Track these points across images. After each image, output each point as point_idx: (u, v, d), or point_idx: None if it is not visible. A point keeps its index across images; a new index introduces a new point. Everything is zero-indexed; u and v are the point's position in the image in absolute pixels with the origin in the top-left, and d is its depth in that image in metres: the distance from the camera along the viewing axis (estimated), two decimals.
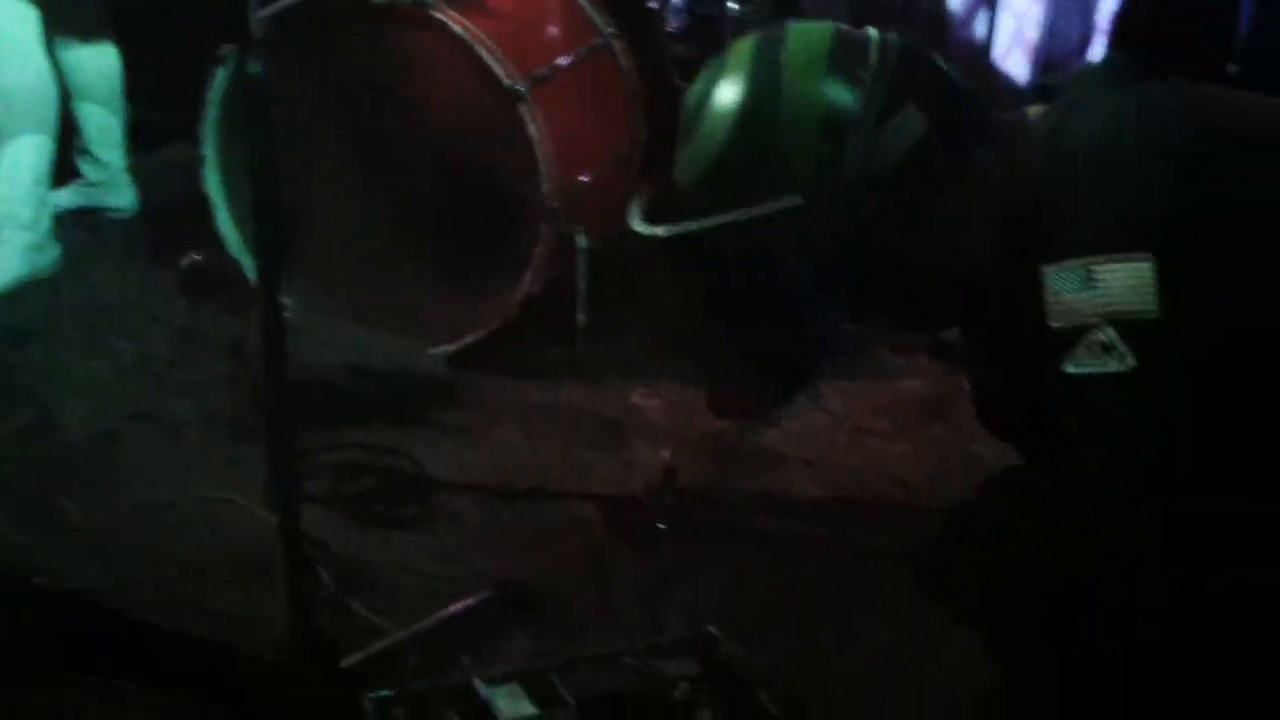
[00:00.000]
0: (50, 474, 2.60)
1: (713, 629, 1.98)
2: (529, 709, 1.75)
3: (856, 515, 2.57)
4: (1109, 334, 1.37)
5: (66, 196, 3.54)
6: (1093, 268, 1.37)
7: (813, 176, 1.59)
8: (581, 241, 2.84)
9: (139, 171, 3.66)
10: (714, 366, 2.24)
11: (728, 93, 1.66)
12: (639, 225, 1.74)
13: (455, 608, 2.22)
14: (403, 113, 2.92)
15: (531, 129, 2.79)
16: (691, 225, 1.64)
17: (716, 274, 1.70)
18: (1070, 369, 1.40)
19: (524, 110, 2.78)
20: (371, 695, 1.80)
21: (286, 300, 2.90)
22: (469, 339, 2.93)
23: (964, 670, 2.07)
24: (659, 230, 1.69)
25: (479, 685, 1.81)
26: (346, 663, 1.96)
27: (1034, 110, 1.65)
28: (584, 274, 2.86)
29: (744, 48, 1.70)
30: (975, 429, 1.83)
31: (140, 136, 3.67)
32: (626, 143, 3.21)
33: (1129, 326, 1.36)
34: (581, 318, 2.88)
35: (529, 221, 2.85)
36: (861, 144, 1.57)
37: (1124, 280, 1.37)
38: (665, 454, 2.61)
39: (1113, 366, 1.37)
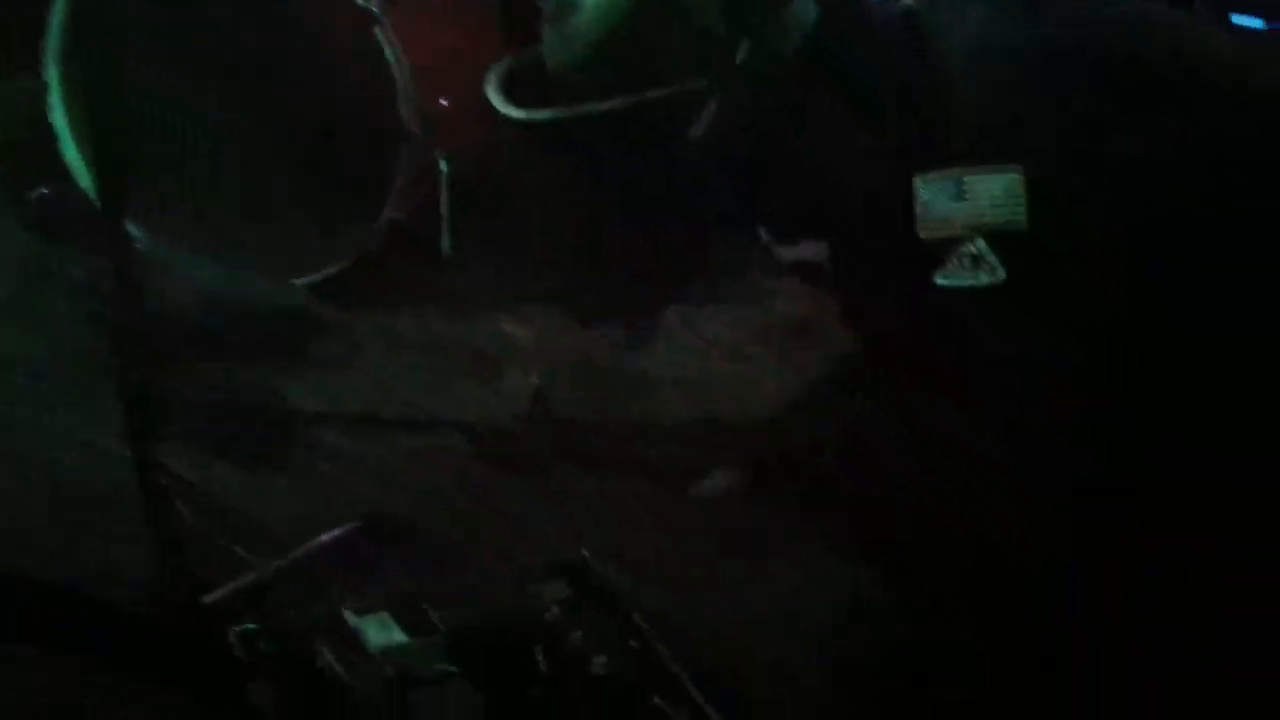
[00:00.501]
0: None
1: (585, 552, 1.97)
2: (399, 637, 1.73)
3: (729, 440, 2.57)
4: (979, 245, 1.35)
5: None
6: (964, 179, 1.36)
7: (713, 60, 1.52)
8: (443, 166, 2.79)
9: None
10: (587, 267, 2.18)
11: None
12: (512, 109, 1.65)
13: (322, 540, 2.19)
14: (255, 37, 2.83)
15: (388, 51, 2.72)
16: (586, 108, 1.56)
17: (595, 163, 1.63)
18: (941, 281, 1.38)
19: (379, 32, 2.71)
20: (237, 629, 1.76)
21: (138, 232, 2.84)
22: (331, 269, 2.86)
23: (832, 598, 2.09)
24: (540, 114, 1.61)
25: (348, 616, 1.78)
26: (210, 599, 1.92)
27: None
28: (447, 199, 2.81)
29: None
30: (846, 350, 1.83)
31: None
32: (489, 64, 3.14)
33: (998, 238, 1.34)
34: (446, 244, 2.83)
35: (389, 147, 2.79)
36: (761, 28, 1.51)
37: (993, 191, 1.35)
38: (535, 380, 2.59)
39: (983, 279, 1.35)
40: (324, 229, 2.89)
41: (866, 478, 1.64)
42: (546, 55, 1.63)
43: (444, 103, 2.82)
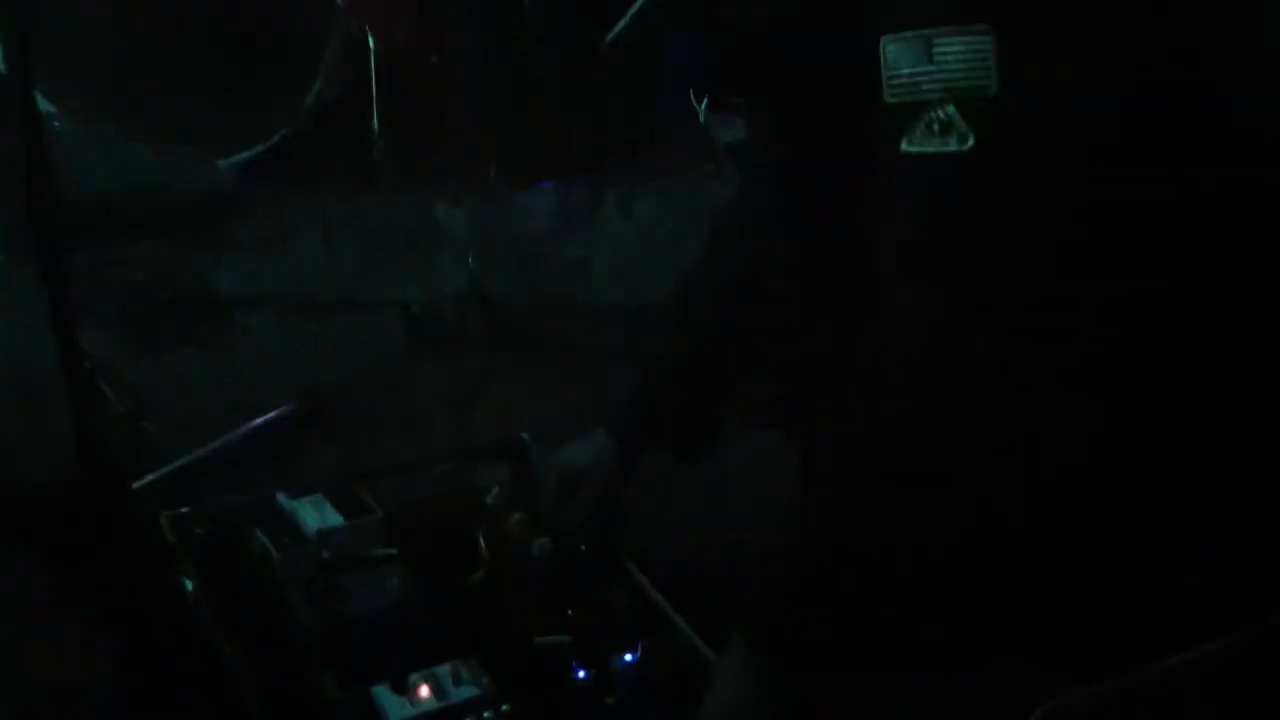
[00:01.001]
0: None
1: (524, 434, 1.94)
2: (334, 519, 1.69)
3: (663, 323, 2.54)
4: (948, 111, 1.31)
5: None
6: (935, 40, 1.30)
7: None
8: (371, 42, 2.70)
9: None
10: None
11: None
12: None
13: (253, 423, 2.15)
14: None
15: None
16: None
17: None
18: (906, 148, 1.32)
19: None
20: (168, 514, 1.72)
21: (54, 111, 2.74)
22: (259, 148, 2.79)
23: (757, 469, 2.08)
24: None
25: (282, 499, 1.74)
26: (138, 484, 1.87)
27: None
28: (376, 77, 2.73)
29: None
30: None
31: None
32: None
33: (969, 103, 1.30)
34: (376, 124, 2.75)
35: (315, 22, 2.71)
36: None
37: (963, 54, 1.30)
38: (470, 262, 2.55)
39: (951, 145, 1.31)
40: (253, 107, 2.81)
41: (804, 360, 1.60)
42: None
43: None
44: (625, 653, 1.54)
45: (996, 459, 1.33)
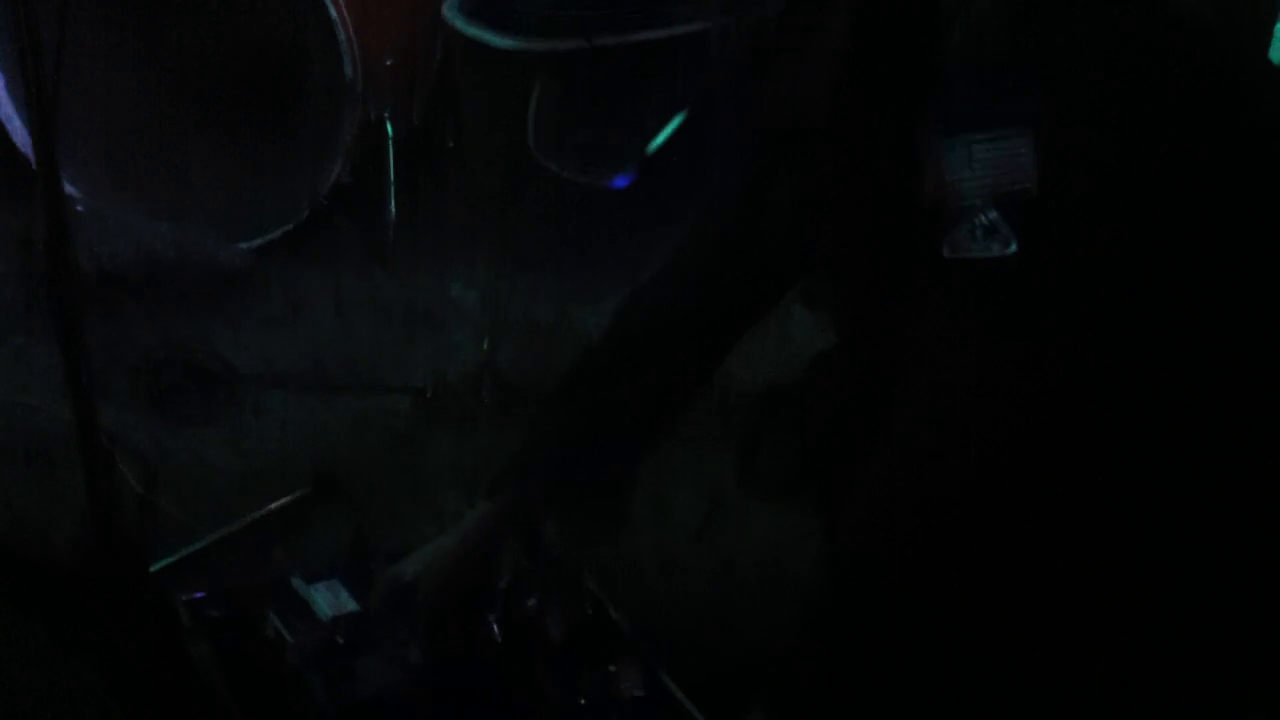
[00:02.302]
0: None
1: None
2: (350, 604, 1.70)
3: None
4: (992, 215, 1.30)
5: None
6: (974, 143, 1.29)
7: None
8: (388, 127, 2.74)
9: None
10: None
11: None
12: (488, 34, 1.45)
13: (270, 507, 2.16)
14: None
15: (332, 10, 2.67)
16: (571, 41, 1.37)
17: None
18: (948, 253, 1.31)
19: None
20: (186, 598, 1.73)
21: (76, 191, 2.78)
22: (276, 233, 2.82)
23: (777, 550, 2.10)
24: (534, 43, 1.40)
25: (297, 583, 1.75)
26: (157, 566, 1.89)
27: None
28: (393, 160, 2.77)
29: None
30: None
31: None
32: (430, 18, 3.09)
33: (1010, 205, 1.29)
34: (392, 205, 2.79)
35: (334, 107, 2.75)
36: None
37: (1003, 156, 1.29)
38: (485, 345, 2.57)
39: (995, 249, 1.30)
40: (271, 189, 2.85)
41: (836, 441, 1.61)
42: None
43: (389, 63, 2.78)
44: None
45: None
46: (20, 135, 2.91)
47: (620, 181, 1.41)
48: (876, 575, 1.44)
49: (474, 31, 1.40)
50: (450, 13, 1.45)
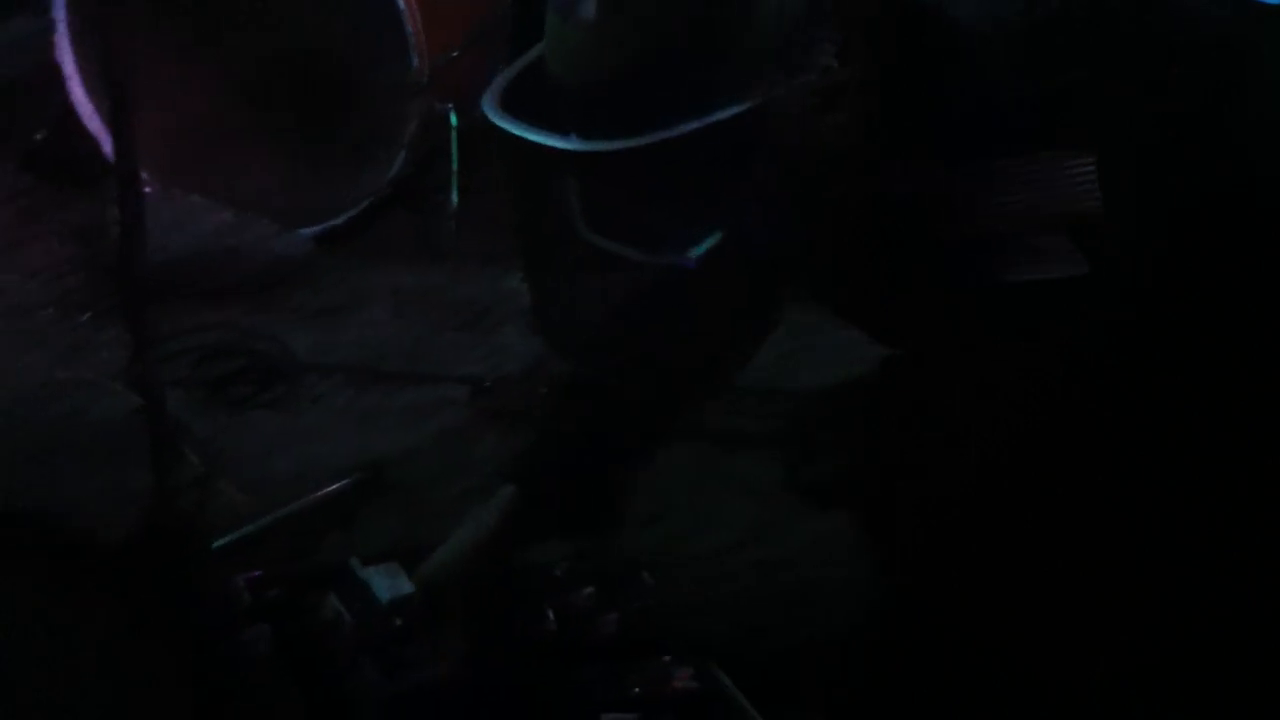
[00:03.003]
0: None
1: None
2: (407, 587, 1.72)
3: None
4: (1055, 237, 1.30)
5: None
6: (1035, 168, 1.29)
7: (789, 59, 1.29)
8: (453, 119, 2.77)
9: None
10: None
11: None
12: (537, 135, 1.36)
13: (326, 489, 2.19)
14: None
15: (400, 1, 2.70)
16: (642, 138, 1.27)
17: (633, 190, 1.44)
18: (1014, 278, 1.31)
19: None
20: (245, 576, 1.76)
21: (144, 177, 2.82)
22: (336, 220, 2.85)
23: (821, 552, 2.10)
24: (589, 145, 1.31)
25: (355, 565, 1.77)
26: (217, 544, 1.92)
27: None
28: (455, 152, 2.79)
29: None
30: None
31: None
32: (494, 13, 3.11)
33: (1076, 229, 1.29)
34: (453, 198, 2.81)
35: (397, 99, 2.77)
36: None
37: (1067, 181, 1.29)
38: (539, 339, 2.58)
39: (1064, 271, 1.30)
40: (332, 180, 2.87)
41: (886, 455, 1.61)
42: (554, 61, 1.39)
43: (454, 54, 2.80)
44: None
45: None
46: (92, 121, 2.95)
47: (690, 262, 1.41)
48: (915, 575, 1.45)
49: (514, 128, 1.38)
50: (489, 106, 1.43)
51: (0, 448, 2.31)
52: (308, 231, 2.86)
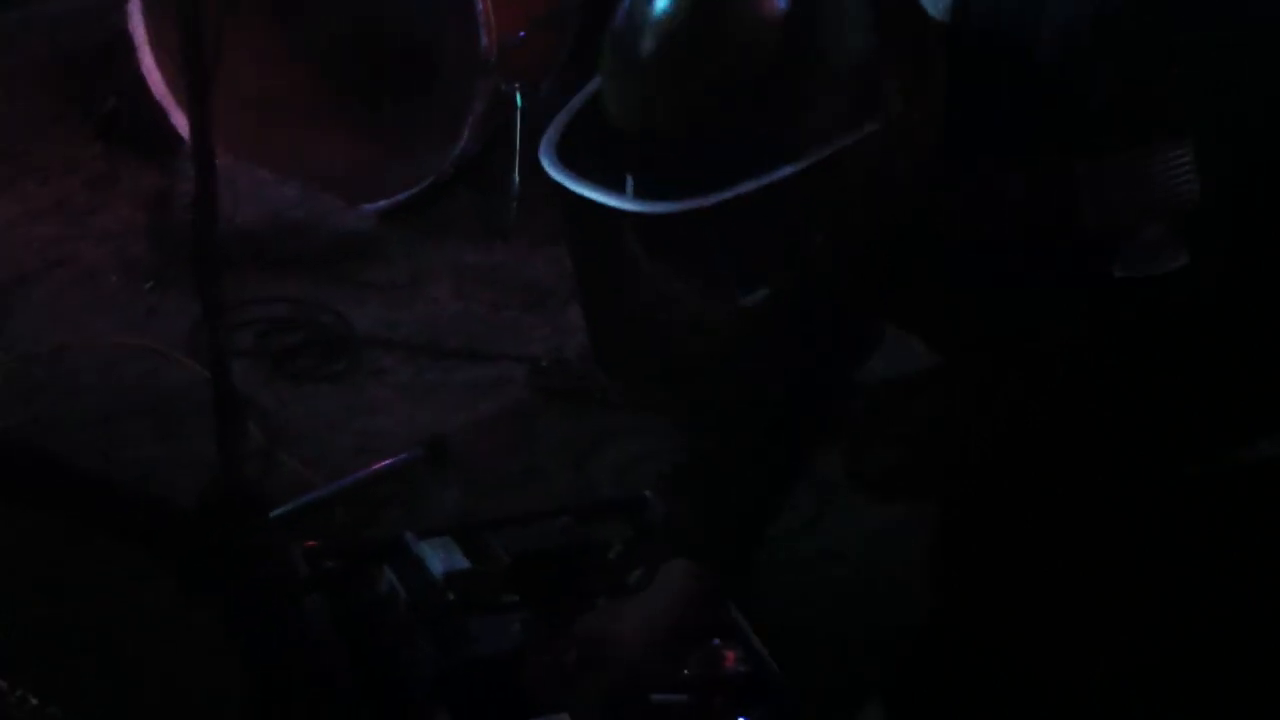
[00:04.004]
0: None
1: (647, 492, 1.97)
2: (462, 562, 1.74)
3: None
4: (1158, 230, 1.27)
5: None
6: (1134, 161, 1.26)
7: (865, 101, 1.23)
8: (519, 100, 2.77)
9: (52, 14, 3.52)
10: None
11: None
12: (595, 193, 1.28)
13: (384, 463, 2.21)
14: None
15: None
16: (716, 196, 1.20)
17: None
18: (1119, 274, 1.28)
19: None
20: (303, 545, 1.78)
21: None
22: (401, 196, 2.87)
23: (881, 541, 2.10)
24: (652, 206, 1.24)
25: (410, 539, 1.79)
26: (276, 513, 1.94)
27: None
28: (520, 133, 2.80)
29: None
30: None
31: None
32: None
33: (1175, 219, 1.26)
34: (517, 178, 2.82)
35: (465, 78, 2.78)
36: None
37: (1165, 170, 1.26)
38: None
39: (1166, 265, 1.27)
40: (398, 156, 2.89)
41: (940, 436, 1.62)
42: (616, 108, 1.31)
43: (522, 35, 2.80)
44: (740, 716, 1.56)
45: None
46: (161, 91, 2.97)
47: (757, 301, 1.38)
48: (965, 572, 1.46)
49: (572, 184, 1.31)
50: (545, 158, 1.35)
51: (67, 409, 2.34)
52: (372, 207, 2.88)
